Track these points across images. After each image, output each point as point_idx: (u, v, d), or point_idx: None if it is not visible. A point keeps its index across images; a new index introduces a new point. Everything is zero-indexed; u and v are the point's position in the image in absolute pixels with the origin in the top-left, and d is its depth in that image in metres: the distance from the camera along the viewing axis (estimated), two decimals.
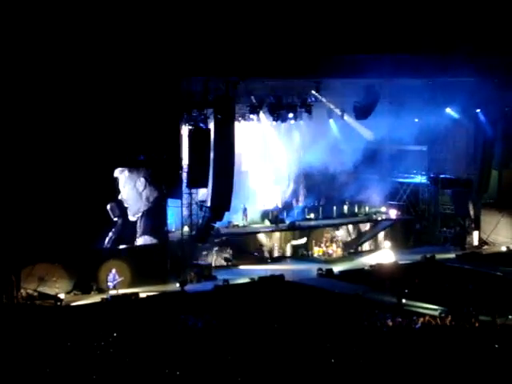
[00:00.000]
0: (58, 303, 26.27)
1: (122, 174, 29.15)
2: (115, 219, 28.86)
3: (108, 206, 28.69)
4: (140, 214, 29.45)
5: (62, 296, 26.60)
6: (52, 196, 27.15)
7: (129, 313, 24.64)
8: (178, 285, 28.57)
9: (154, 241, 29.62)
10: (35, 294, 26.65)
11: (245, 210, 34.83)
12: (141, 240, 29.49)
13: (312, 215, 36.78)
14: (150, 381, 18.53)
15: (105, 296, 27.09)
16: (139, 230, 29.45)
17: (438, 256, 33.24)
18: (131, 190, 29.31)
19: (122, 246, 29.11)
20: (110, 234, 28.78)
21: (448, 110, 35.70)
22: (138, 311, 24.89)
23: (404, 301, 26.43)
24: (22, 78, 26.06)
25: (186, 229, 31.04)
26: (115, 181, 28.98)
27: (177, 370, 18.91)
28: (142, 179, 29.40)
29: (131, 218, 29.26)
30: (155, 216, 29.61)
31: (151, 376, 18.72)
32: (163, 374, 18.76)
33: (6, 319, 23.75)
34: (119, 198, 29.07)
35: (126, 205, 29.16)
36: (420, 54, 31.50)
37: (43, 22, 25.85)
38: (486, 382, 18.23)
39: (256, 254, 32.99)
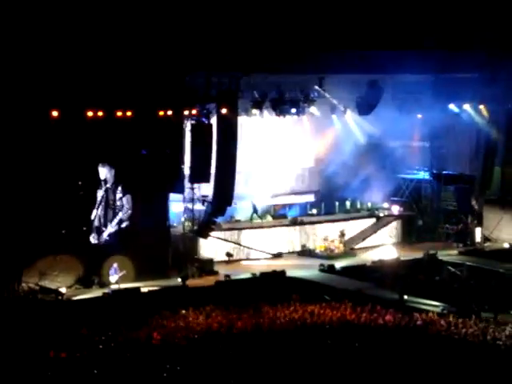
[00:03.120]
0: (60, 297, 26.25)
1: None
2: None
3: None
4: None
5: (63, 290, 26.57)
6: (53, 189, 27.16)
7: (130, 307, 24.63)
8: (179, 279, 28.54)
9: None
10: (36, 287, 26.62)
11: (255, 207, 34.76)
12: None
13: (314, 211, 36.71)
14: (151, 376, 18.54)
15: (106, 290, 27.07)
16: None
17: (441, 252, 33.15)
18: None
19: (123, 241, 29.15)
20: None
21: (451, 106, 35.60)
22: (139, 306, 24.87)
23: (406, 297, 26.38)
24: (22, 74, 26.00)
25: (187, 224, 31.02)
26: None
27: (177, 364, 18.94)
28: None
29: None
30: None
31: (152, 371, 18.74)
32: (164, 369, 18.78)
33: (8, 313, 23.72)
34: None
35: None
36: (423, 49, 31.41)
37: (42, 21, 25.80)
38: (487, 380, 18.22)
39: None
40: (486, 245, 35.57)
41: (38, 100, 26.35)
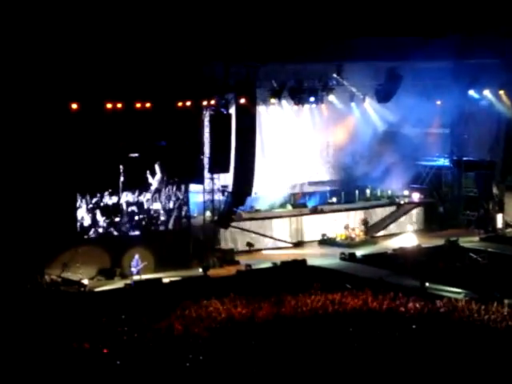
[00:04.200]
0: (82, 289, 26.42)
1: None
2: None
3: None
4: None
5: (85, 282, 26.74)
6: (75, 180, 27.39)
7: (152, 298, 24.73)
8: (200, 270, 28.62)
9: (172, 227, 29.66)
10: (59, 279, 26.81)
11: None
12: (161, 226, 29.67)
13: (334, 199, 36.64)
14: (173, 366, 18.62)
15: (128, 282, 27.20)
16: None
17: (462, 239, 33.02)
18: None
19: (144, 232, 29.29)
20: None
21: (471, 92, 35.37)
22: (161, 296, 24.97)
23: (427, 284, 26.30)
24: (41, 68, 26.11)
25: (208, 214, 31.09)
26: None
27: (199, 354, 19.00)
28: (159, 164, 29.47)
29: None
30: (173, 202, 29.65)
31: (173, 361, 18.81)
32: (186, 359, 18.85)
33: (31, 305, 23.90)
34: None
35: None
36: (443, 35, 31.20)
37: (61, 14, 25.88)
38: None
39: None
40: (507, 231, 35.38)
41: (58, 93, 26.48)
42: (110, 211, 28.69)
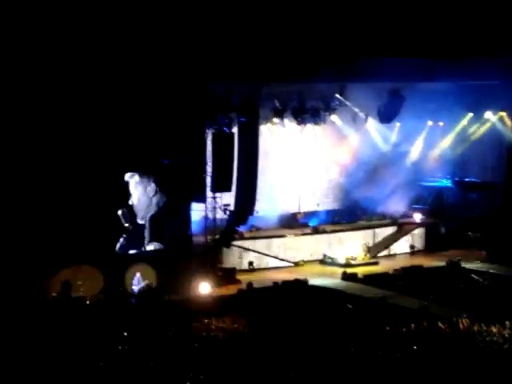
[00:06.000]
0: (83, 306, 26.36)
1: (132, 179, 29.35)
2: (126, 225, 29.08)
3: (119, 212, 28.90)
4: (148, 220, 29.60)
5: (87, 300, 26.70)
6: (73, 199, 27.43)
7: (153, 316, 24.71)
8: (202, 288, 28.59)
9: (163, 247, 29.64)
10: (60, 297, 26.73)
11: None
12: (150, 246, 29.65)
13: (336, 219, 36.65)
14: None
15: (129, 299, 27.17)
16: (147, 235, 29.63)
17: (464, 260, 32.98)
18: (142, 195, 29.50)
19: (148, 249, 29.33)
20: (121, 239, 29.00)
21: (472, 114, 35.49)
22: (161, 313, 24.94)
23: (428, 304, 26.24)
24: (34, 76, 26.15)
25: (209, 233, 31.14)
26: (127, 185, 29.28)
27: (200, 373, 18.97)
28: (153, 184, 29.51)
29: (139, 221, 29.50)
30: (163, 222, 29.65)
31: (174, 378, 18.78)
32: (187, 377, 18.82)
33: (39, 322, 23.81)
34: (129, 202, 29.41)
35: (135, 210, 29.45)
36: (445, 57, 31.35)
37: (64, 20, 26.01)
38: None
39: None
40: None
41: (60, 109, 26.62)
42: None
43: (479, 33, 31.36)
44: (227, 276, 30.42)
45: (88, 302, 26.47)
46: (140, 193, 29.64)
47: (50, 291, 26.62)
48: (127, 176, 29.24)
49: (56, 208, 26.98)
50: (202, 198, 30.56)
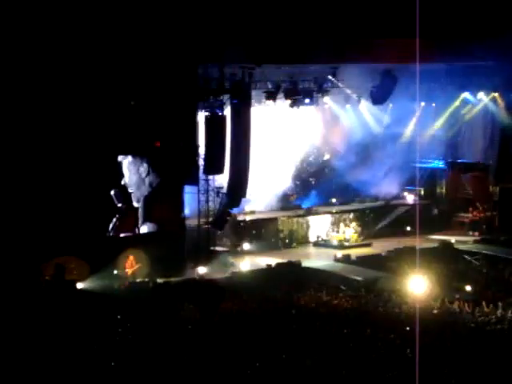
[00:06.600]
0: (76, 290, 26.34)
1: (125, 160, 29.32)
2: (119, 205, 29.10)
3: (112, 192, 28.92)
4: (142, 201, 29.62)
5: (80, 284, 26.68)
6: (66, 184, 27.38)
7: (146, 300, 24.71)
8: (195, 271, 28.61)
9: (156, 228, 29.65)
10: (54, 281, 26.70)
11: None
12: (144, 228, 29.64)
13: (334, 200, 36.65)
14: (166, 369, 18.62)
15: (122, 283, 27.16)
16: (141, 217, 29.62)
17: (456, 241, 33.08)
18: (134, 175, 29.50)
19: (141, 232, 29.32)
20: (114, 220, 29.00)
21: (465, 95, 35.46)
22: (154, 298, 24.95)
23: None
24: (26, 61, 26.02)
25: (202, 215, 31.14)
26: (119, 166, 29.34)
27: (191, 357, 19.00)
28: (145, 165, 29.49)
29: (135, 204, 29.48)
30: (158, 202, 29.63)
31: (167, 365, 18.81)
32: (178, 363, 18.85)
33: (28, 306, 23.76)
34: (122, 183, 29.45)
35: (129, 190, 29.53)
36: (438, 38, 31.24)
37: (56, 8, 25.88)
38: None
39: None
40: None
41: (54, 95, 26.50)
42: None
43: (473, 14, 31.25)
44: (221, 259, 30.40)
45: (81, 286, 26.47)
46: (132, 173, 29.64)
47: (44, 274, 26.60)
48: (120, 157, 29.22)
49: (48, 189, 26.90)
50: (194, 181, 30.51)
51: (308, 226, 34.66)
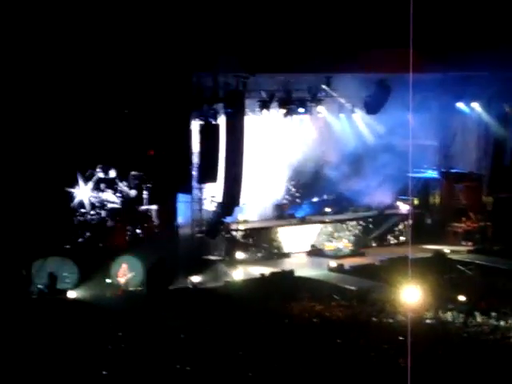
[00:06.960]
0: (68, 298, 26.25)
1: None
2: None
3: None
4: None
5: (72, 292, 26.59)
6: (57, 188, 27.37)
7: (139, 309, 24.65)
8: (188, 280, 28.54)
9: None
10: (46, 290, 26.63)
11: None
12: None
13: (328, 209, 36.63)
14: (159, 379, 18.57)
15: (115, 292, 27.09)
16: None
17: (450, 251, 33.05)
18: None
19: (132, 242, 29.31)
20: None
21: (459, 105, 35.52)
22: (146, 307, 24.90)
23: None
24: (19, 70, 26.03)
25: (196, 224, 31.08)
26: None
27: (185, 365, 18.96)
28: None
29: None
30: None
31: (160, 374, 18.75)
32: (172, 371, 18.80)
33: (20, 315, 23.71)
34: None
35: None
36: (432, 48, 31.31)
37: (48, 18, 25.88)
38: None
39: None
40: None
41: (47, 100, 26.47)
42: None
43: (467, 25, 31.34)
44: (214, 267, 30.34)
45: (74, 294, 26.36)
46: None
47: (36, 283, 26.52)
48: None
49: (37, 196, 26.85)
50: (188, 190, 30.48)
51: (301, 236, 34.59)
